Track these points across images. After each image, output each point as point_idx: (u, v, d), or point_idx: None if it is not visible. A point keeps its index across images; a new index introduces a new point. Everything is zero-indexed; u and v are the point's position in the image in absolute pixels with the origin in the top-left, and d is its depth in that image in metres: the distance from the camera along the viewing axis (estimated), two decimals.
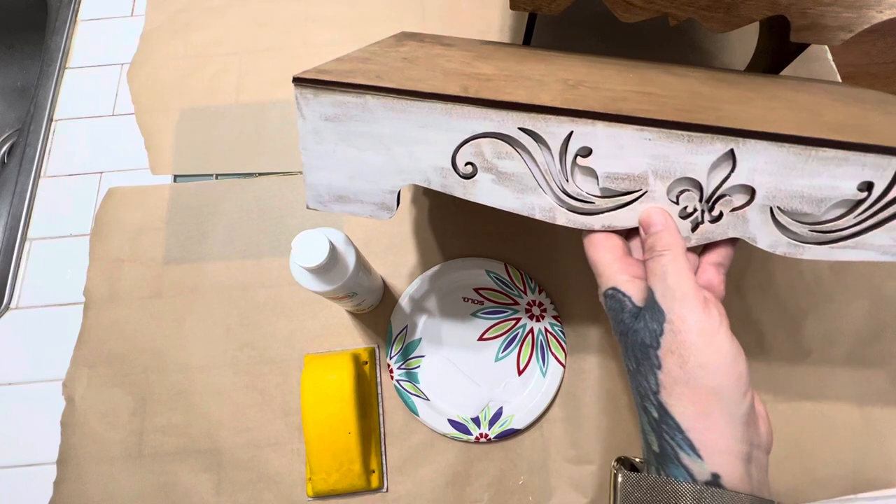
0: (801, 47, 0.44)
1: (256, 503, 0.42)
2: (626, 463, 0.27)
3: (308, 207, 0.30)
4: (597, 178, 0.27)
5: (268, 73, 0.57)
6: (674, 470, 0.23)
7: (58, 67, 0.58)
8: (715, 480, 0.22)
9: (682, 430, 0.23)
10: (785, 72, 0.49)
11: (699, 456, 0.23)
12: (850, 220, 0.26)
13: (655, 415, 0.24)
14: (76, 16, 0.61)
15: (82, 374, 0.46)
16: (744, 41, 0.57)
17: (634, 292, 0.27)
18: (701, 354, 0.23)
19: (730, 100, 0.33)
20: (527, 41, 0.51)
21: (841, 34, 0.39)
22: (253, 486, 0.43)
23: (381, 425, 0.44)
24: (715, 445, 0.23)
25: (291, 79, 0.27)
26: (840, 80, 0.56)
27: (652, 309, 0.25)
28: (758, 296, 0.47)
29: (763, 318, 0.47)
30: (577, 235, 0.30)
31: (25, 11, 0.65)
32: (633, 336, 0.26)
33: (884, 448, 0.43)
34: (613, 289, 0.27)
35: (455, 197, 0.29)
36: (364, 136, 0.28)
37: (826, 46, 0.57)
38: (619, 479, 0.25)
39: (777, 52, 0.48)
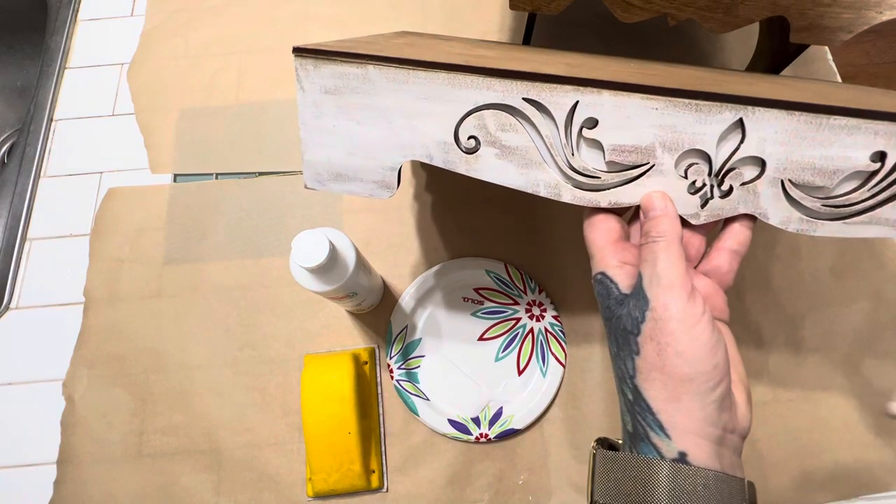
0: (801, 48, 0.44)
1: (256, 503, 0.42)
2: (604, 443, 0.28)
3: (306, 187, 0.30)
4: (603, 151, 0.27)
5: (268, 73, 0.57)
6: (644, 448, 0.24)
7: (58, 67, 0.58)
8: (682, 458, 0.23)
9: (652, 412, 0.24)
10: (785, 72, 0.49)
11: (667, 436, 0.24)
12: (863, 192, 0.26)
13: (630, 397, 0.25)
14: (76, 16, 0.61)
15: (82, 374, 0.46)
16: (743, 42, 0.57)
17: (622, 279, 0.27)
18: (678, 343, 0.24)
19: (734, 82, 0.32)
20: (526, 41, 0.51)
21: (841, 35, 0.39)
22: (253, 486, 0.43)
23: (381, 425, 0.44)
24: (683, 427, 0.23)
25: (292, 49, 0.26)
26: (840, 81, 0.56)
27: (637, 296, 0.25)
28: (757, 297, 0.47)
29: (762, 319, 0.47)
30: (578, 235, 0.30)
31: (25, 11, 0.65)
32: (617, 322, 0.26)
33: (883, 450, 0.43)
34: (602, 273, 0.28)
35: (456, 196, 0.29)
36: (365, 109, 0.27)
37: (826, 47, 0.57)
38: (597, 458, 0.26)
39: (777, 52, 0.48)
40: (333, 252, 0.34)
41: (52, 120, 0.56)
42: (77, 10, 0.61)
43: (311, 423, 0.39)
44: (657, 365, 0.24)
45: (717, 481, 0.23)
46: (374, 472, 0.42)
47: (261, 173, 0.53)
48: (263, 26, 0.59)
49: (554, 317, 0.46)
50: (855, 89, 0.37)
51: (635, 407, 0.25)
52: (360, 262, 0.38)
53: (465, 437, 0.43)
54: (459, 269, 0.48)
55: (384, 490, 0.43)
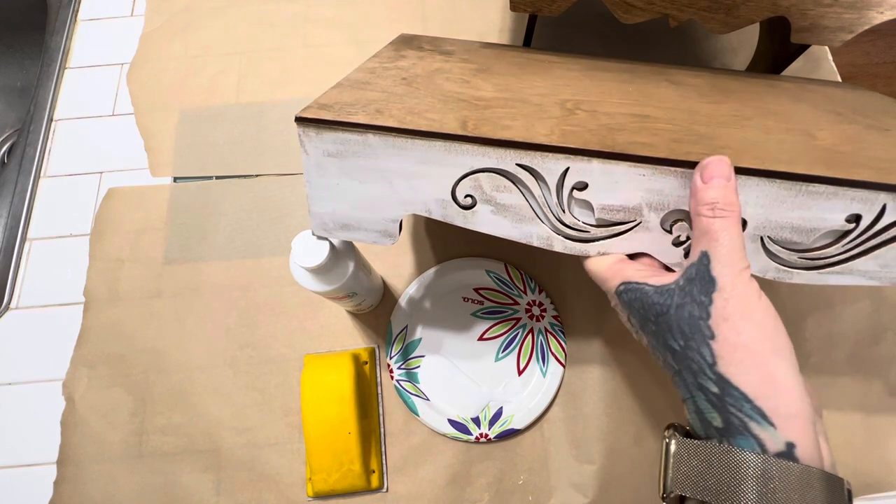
0: (802, 48, 0.44)
1: (256, 503, 0.42)
2: (679, 430, 0.25)
3: (313, 234, 0.32)
4: (592, 210, 0.28)
5: (268, 74, 0.57)
6: (742, 441, 0.22)
7: (58, 67, 0.58)
8: (789, 451, 0.21)
9: (749, 400, 0.22)
10: (785, 72, 0.49)
11: (771, 424, 0.21)
12: (837, 248, 0.27)
13: (715, 389, 0.23)
14: (76, 16, 0.61)
15: (82, 374, 0.46)
16: (744, 42, 0.57)
17: (647, 277, 0.26)
18: (755, 315, 0.23)
19: (727, 121, 0.33)
20: (527, 42, 0.51)
21: (841, 35, 0.39)
22: (253, 486, 0.43)
23: (381, 425, 0.44)
24: (787, 410, 0.21)
25: (294, 118, 0.28)
26: (840, 81, 0.56)
27: (701, 277, 0.24)
28: None
29: None
30: None
31: (25, 11, 0.65)
32: (678, 311, 0.24)
33: (883, 451, 0.43)
34: (625, 283, 0.27)
35: None
36: (366, 171, 0.29)
37: (826, 47, 0.57)
38: (673, 447, 0.24)
39: (777, 52, 0.48)
40: (333, 252, 0.34)
41: (52, 120, 0.56)
42: (77, 10, 0.61)
43: (311, 423, 0.39)
44: (739, 344, 0.22)
45: (822, 481, 0.20)
46: (374, 472, 0.42)
47: (260, 175, 0.53)
48: (263, 28, 0.59)
49: (554, 317, 0.46)
50: (852, 115, 0.37)
51: (725, 399, 0.22)
52: (360, 262, 0.38)
53: (465, 437, 0.43)
54: (459, 269, 0.48)
55: (384, 490, 0.42)
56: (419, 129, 0.27)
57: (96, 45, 0.59)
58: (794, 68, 0.52)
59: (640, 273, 0.27)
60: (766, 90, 0.41)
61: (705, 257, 0.24)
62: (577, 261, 0.30)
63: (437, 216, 0.30)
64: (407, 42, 0.45)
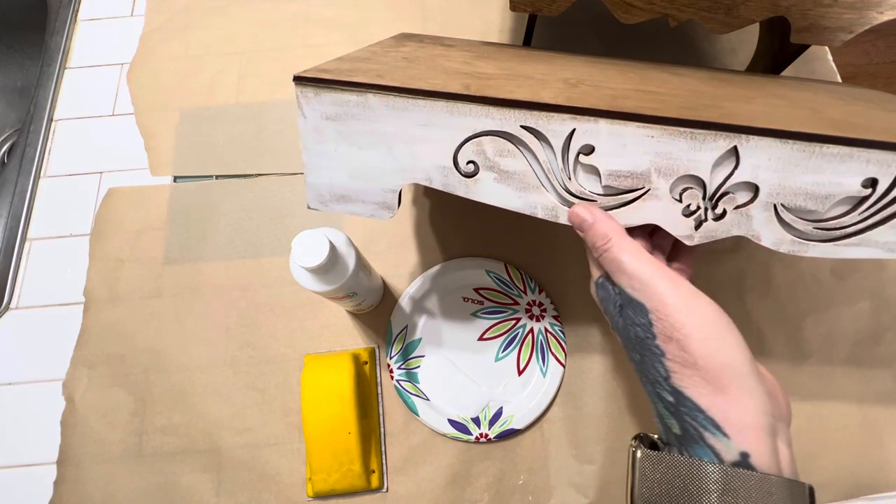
0: (802, 48, 0.44)
1: (256, 503, 0.42)
2: (645, 440, 0.25)
3: (309, 207, 0.30)
4: (599, 177, 0.27)
5: (268, 74, 0.57)
6: (698, 451, 0.22)
7: (58, 67, 0.58)
8: (744, 460, 0.21)
9: (702, 410, 0.22)
10: (785, 72, 0.49)
11: (725, 434, 0.21)
12: (854, 216, 0.26)
13: (671, 399, 0.23)
14: (76, 16, 0.61)
15: (82, 374, 0.46)
16: (744, 42, 0.57)
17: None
18: (696, 331, 0.23)
19: (732, 98, 0.32)
20: (527, 42, 0.51)
21: (841, 35, 0.39)
22: (253, 485, 0.43)
23: (381, 425, 0.44)
24: (739, 421, 0.21)
25: (292, 77, 0.27)
26: (840, 81, 0.56)
27: (630, 304, 0.25)
28: (758, 298, 0.47)
29: (763, 319, 0.47)
30: (578, 235, 0.30)
31: (25, 11, 0.65)
32: (626, 332, 0.25)
33: (883, 450, 0.43)
34: (603, 277, 0.28)
35: (456, 197, 0.29)
36: (365, 135, 0.28)
37: (826, 47, 0.57)
38: (638, 456, 0.24)
39: (777, 52, 0.48)
40: (333, 252, 0.34)
41: (52, 120, 0.56)
42: (77, 10, 0.61)
43: (311, 423, 0.39)
44: (688, 361, 0.22)
45: (781, 488, 0.20)
46: (374, 472, 0.42)
47: (260, 175, 0.53)
48: (263, 28, 0.59)
49: (554, 317, 0.46)
50: (855, 101, 0.37)
51: (680, 408, 0.23)
52: (360, 262, 0.38)
53: (465, 437, 0.43)
54: (459, 269, 0.48)
55: (384, 490, 0.42)
56: (421, 88, 0.26)
57: (96, 45, 0.59)
58: (794, 68, 0.52)
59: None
60: (767, 81, 0.41)
61: (620, 288, 0.25)
62: (578, 261, 0.30)
63: (437, 185, 0.28)
64: (407, 37, 0.45)
